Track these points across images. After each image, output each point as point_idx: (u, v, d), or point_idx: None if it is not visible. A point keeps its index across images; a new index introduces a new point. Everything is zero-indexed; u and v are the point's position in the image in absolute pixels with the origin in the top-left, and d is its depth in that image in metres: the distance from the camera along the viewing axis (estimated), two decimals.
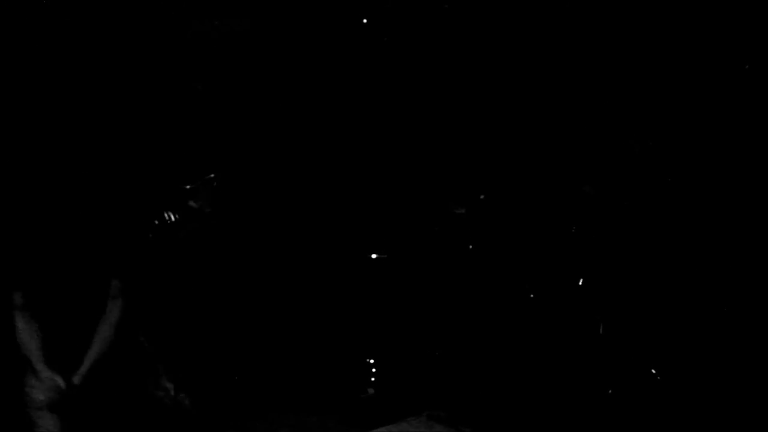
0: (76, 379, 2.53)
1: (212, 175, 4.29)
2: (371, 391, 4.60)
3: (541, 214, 4.69)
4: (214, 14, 5.25)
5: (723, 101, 4.85)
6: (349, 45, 5.31)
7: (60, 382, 2.52)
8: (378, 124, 5.26)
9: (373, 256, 4.82)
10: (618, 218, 4.62)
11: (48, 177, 2.88)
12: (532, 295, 4.35)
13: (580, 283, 4.29)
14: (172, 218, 4.29)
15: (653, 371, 4.23)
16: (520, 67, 5.29)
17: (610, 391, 4.15)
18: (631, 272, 4.49)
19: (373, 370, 4.68)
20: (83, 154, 3.52)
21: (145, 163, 4.54)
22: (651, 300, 4.52)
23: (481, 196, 4.97)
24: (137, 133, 4.64)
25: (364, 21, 5.20)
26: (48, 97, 4.38)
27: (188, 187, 4.25)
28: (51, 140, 4.06)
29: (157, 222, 4.15)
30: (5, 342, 2.64)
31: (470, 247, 4.63)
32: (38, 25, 4.55)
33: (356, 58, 5.29)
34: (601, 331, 4.29)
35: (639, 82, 4.98)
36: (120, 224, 2.79)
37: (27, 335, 2.52)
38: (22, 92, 4.36)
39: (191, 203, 4.27)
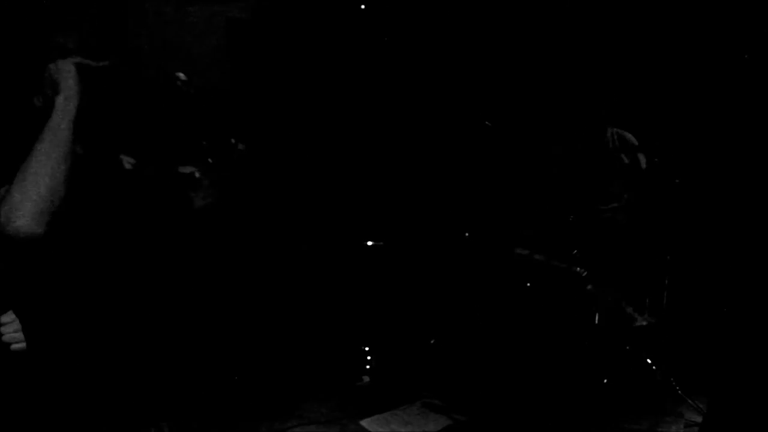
0: None
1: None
2: (366, 378, 4.58)
3: (537, 204, 4.69)
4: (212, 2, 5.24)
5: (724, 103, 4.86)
6: (349, 40, 5.30)
7: None
8: (377, 119, 5.25)
9: (369, 243, 4.80)
10: (616, 213, 4.62)
11: None
12: (528, 284, 4.33)
13: (577, 271, 4.28)
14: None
15: (649, 361, 4.23)
16: (521, 66, 5.29)
17: (605, 381, 4.14)
18: (627, 264, 4.49)
19: (368, 357, 4.66)
20: None
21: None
22: (649, 292, 4.52)
23: (478, 187, 4.97)
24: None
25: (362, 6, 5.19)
26: None
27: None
28: None
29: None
30: None
31: (466, 234, 4.62)
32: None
33: (356, 53, 5.29)
34: (596, 321, 4.28)
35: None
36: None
37: None
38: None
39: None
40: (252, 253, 4.81)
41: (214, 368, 4.49)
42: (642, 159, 4.66)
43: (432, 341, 4.66)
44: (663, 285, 4.59)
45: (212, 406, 4.18)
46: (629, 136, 4.76)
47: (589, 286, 4.25)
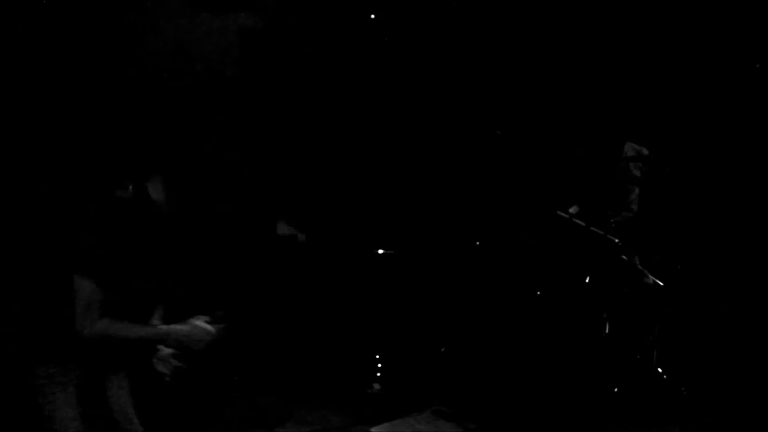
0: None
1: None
2: (376, 386, 4.59)
3: (547, 211, 4.69)
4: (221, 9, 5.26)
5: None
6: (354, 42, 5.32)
7: None
8: (381, 121, 5.26)
9: (380, 252, 4.82)
10: (619, 216, 4.63)
11: None
12: (538, 292, 4.34)
13: (587, 281, 4.29)
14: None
15: (659, 369, 4.23)
16: (522, 68, 5.29)
17: (615, 389, 4.15)
18: (637, 270, 4.49)
19: (379, 365, 4.67)
20: None
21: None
22: (656, 298, 4.52)
23: (486, 193, 4.98)
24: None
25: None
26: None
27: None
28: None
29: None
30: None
31: (477, 243, 4.63)
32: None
33: (361, 55, 5.30)
34: (606, 329, 4.28)
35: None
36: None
37: None
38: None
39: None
40: (263, 257, 4.83)
41: (224, 374, 4.51)
42: (653, 170, 4.66)
43: (442, 349, 4.67)
44: (672, 296, 4.60)
45: (223, 413, 4.20)
46: (641, 147, 4.77)
47: (623, 257, 4.25)
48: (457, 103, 5.30)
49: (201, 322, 2.68)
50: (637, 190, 4.67)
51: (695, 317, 4.73)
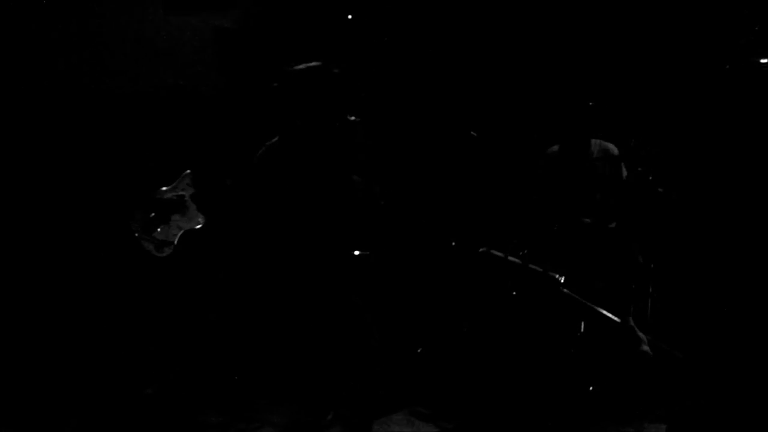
0: None
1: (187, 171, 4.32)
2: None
3: (525, 211, 4.71)
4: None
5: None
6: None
7: None
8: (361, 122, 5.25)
9: (355, 252, 4.79)
10: (602, 216, 4.65)
11: None
12: (514, 293, 4.35)
13: (562, 281, 4.30)
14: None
15: (634, 369, 4.26)
16: (507, 75, 5.31)
17: (591, 388, 4.16)
18: (611, 273, 4.52)
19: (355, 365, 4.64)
20: None
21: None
22: (632, 298, 4.55)
23: (467, 194, 4.98)
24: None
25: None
26: None
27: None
28: None
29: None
30: None
31: (453, 243, 4.63)
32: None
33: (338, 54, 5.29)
34: (582, 329, 4.30)
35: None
36: None
37: None
38: None
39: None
40: (236, 261, 4.79)
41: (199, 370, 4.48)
42: (624, 169, 4.67)
43: (419, 350, 4.66)
44: (647, 293, 4.63)
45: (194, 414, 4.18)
46: (611, 146, 4.78)
47: (565, 290, 4.26)
48: (430, 104, 5.32)
49: None
50: (604, 192, 4.65)
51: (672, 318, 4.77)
